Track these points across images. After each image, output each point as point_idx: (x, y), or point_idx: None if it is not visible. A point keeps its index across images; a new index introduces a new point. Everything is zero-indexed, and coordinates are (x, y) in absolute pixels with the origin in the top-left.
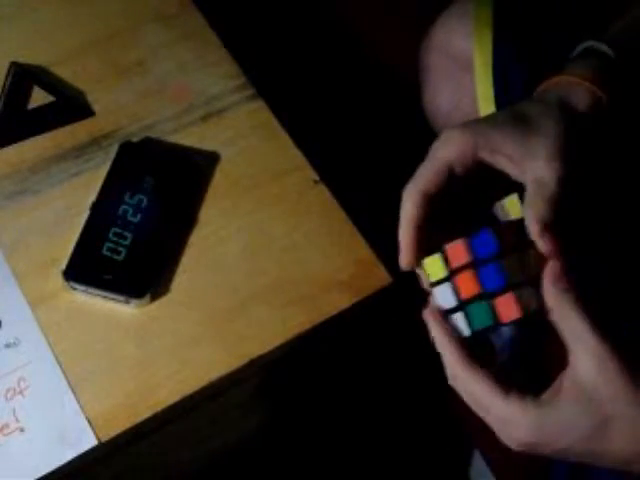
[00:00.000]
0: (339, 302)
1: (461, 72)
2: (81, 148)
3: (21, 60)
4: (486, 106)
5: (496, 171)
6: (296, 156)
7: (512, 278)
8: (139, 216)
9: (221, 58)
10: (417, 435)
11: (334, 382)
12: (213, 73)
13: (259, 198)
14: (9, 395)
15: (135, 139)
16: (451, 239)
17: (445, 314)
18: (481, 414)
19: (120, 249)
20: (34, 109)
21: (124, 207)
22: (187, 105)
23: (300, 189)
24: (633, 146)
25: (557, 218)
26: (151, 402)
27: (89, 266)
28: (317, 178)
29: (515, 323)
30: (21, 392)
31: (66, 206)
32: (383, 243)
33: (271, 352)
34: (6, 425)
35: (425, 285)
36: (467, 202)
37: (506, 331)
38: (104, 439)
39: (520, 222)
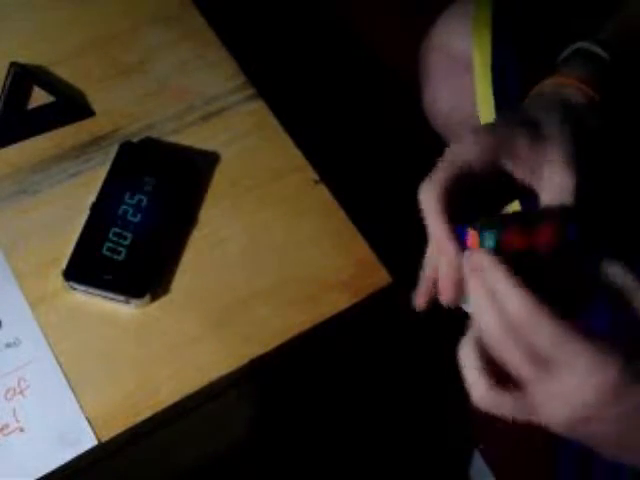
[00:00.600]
0: (339, 302)
1: (461, 72)
2: (81, 148)
3: (21, 60)
4: (485, 106)
5: (502, 181)
6: (296, 156)
7: None
8: (139, 216)
9: (221, 58)
10: (417, 435)
11: (334, 382)
12: (213, 73)
13: (259, 198)
14: (9, 395)
15: (135, 139)
16: None
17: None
18: (541, 383)
19: (120, 249)
20: (34, 109)
21: (124, 207)
22: (187, 105)
23: (300, 189)
24: (628, 144)
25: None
26: (151, 402)
27: (89, 266)
28: (317, 178)
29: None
30: (21, 392)
31: (66, 206)
32: (383, 243)
33: (271, 352)
34: (6, 425)
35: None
36: (469, 211)
37: None
38: (104, 439)
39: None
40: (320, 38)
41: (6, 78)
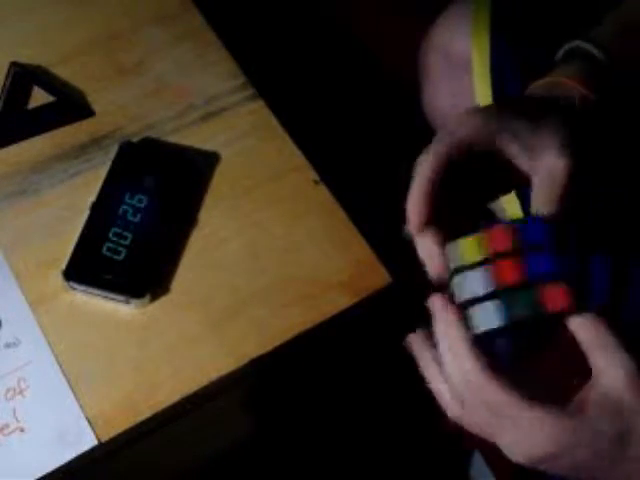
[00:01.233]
0: (339, 302)
1: (460, 73)
2: (81, 148)
3: (21, 60)
4: None
5: (499, 168)
6: (296, 156)
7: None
8: (139, 216)
9: (221, 58)
10: (417, 434)
11: (334, 382)
12: (213, 73)
13: (259, 198)
14: (9, 395)
15: (135, 139)
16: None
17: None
18: (495, 429)
19: (120, 249)
20: (34, 109)
21: (124, 207)
22: (187, 105)
23: (300, 189)
24: (622, 140)
25: (565, 207)
26: (151, 402)
27: (89, 266)
28: (317, 178)
29: (558, 316)
30: (21, 392)
31: (66, 206)
32: (383, 243)
33: (271, 352)
34: (6, 425)
35: (434, 271)
36: (464, 199)
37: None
38: (104, 439)
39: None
40: (320, 38)
41: (6, 78)
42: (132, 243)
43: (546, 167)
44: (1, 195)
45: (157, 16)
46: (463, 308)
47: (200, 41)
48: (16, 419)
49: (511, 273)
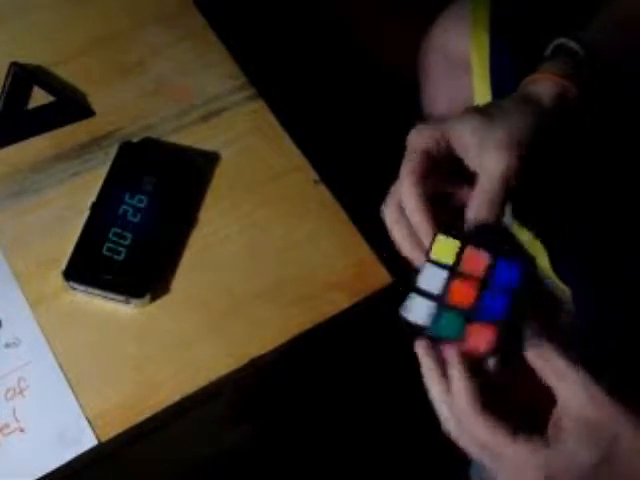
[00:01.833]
0: (339, 302)
1: (459, 73)
2: (81, 148)
3: (21, 60)
4: None
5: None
6: (296, 156)
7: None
8: (139, 216)
9: (221, 58)
10: (417, 434)
11: (334, 382)
12: (213, 73)
13: (259, 198)
14: (9, 395)
15: (135, 139)
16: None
17: (412, 291)
18: (485, 460)
19: (120, 249)
20: (34, 109)
21: (124, 207)
22: (187, 105)
23: (300, 189)
24: (606, 136)
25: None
26: (151, 402)
27: (89, 266)
28: (317, 178)
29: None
30: (21, 392)
31: (66, 206)
32: (383, 243)
33: (271, 352)
34: (6, 425)
35: (414, 257)
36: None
37: None
38: (104, 439)
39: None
40: (320, 38)
41: (6, 78)
42: (132, 243)
43: (485, 170)
44: (1, 195)
45: (157, 16)
46: (412, 289)
47: (200, 41)
48: (16, 419)
49: (462, 297)
